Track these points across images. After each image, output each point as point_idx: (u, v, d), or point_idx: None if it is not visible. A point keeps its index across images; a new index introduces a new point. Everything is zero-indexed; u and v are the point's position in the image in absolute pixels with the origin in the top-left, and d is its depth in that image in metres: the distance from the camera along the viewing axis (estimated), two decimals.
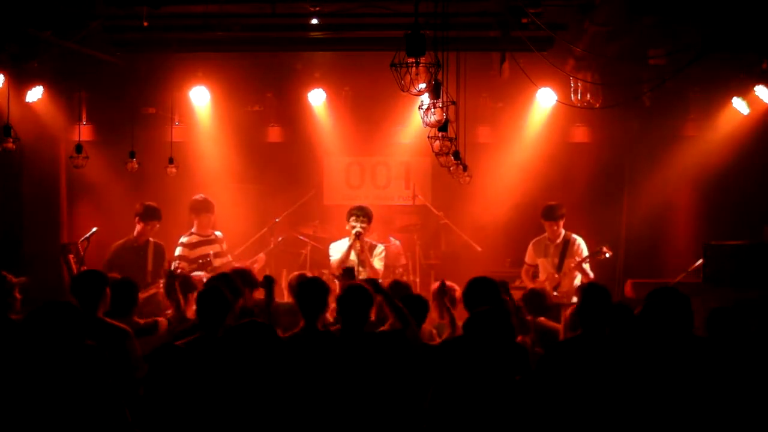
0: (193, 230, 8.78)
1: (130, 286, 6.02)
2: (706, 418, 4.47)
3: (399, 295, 5.74)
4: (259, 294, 6.33)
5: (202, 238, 8.74)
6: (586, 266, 8.66)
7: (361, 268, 8.10)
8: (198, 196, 8.94)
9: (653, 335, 4.76)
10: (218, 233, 8.90)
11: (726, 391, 4.52)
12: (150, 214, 8.51)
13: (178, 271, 6.93)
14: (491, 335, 4.53)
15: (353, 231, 8.22)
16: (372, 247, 8.41)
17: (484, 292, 5.31)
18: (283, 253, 9.64)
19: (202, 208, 8.79)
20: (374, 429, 4.88)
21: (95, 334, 4.96)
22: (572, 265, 8.63)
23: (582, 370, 4.72)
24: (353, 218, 8.29)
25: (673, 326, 4.69)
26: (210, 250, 8.60)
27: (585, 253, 8.72)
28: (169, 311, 6.33)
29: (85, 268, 8.21)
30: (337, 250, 8.40)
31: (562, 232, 8.84)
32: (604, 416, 4.57)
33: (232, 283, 5.79)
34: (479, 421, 4.03)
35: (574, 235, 8.85)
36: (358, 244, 8.22)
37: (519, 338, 5.42)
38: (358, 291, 5.20)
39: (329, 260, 8.43)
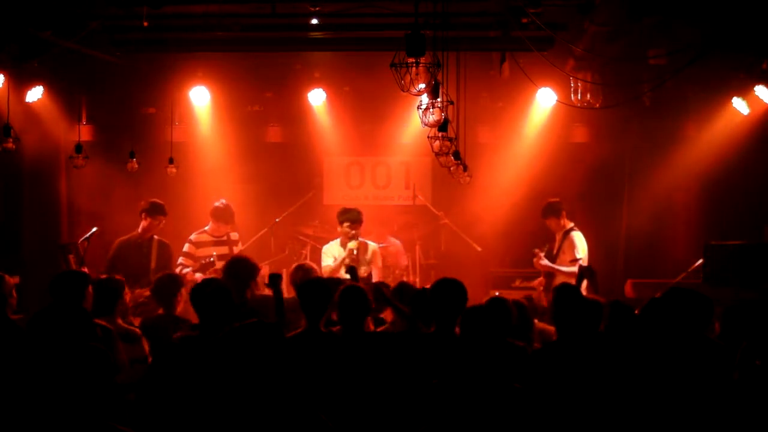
0: (206, 228, 8.80)
1: (113, 286, 5.76)
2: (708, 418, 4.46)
3: (406, 295, 5.74)
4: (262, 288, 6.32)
5: (213, 239, 8.75)
6: (545, 262, 8.75)
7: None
8: (220, 203, 8.93)
9: (657, 335, 4.75)
10: (234, 235, 8.90)
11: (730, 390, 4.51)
12: (156, 210, 8.49)
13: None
14: (486, 334, 4.52)
15: (350, 242, 8.33)
16: (365, 250, 8.47)
17: (451, 295, 5.24)
18: (282, 254, 9.65)
19: (222, 217, 8.79)
20: (376, 429, 4.88)
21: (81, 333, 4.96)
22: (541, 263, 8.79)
23: (563, 375, 4.70)
24: (347, 224, 8.36)
25: (681, 326, 4.69)
26: (215, 251, 8.60)
27: (578, 246, 8.73)
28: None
29: (86, 268, 8.23)
30: (330, 254, 8.43)
31: (567, 225, 8.89)
32: (596, 417, 4.56)
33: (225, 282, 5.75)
34: (475, 424, 4.02)
35: (573, 231, 8.87)
36: (354, 252, 8.32)
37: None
38: (354, 291, 5.20)
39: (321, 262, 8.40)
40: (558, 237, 8.95)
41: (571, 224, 8.96)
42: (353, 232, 8.36)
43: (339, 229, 8.50)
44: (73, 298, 5.27)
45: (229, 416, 3.80)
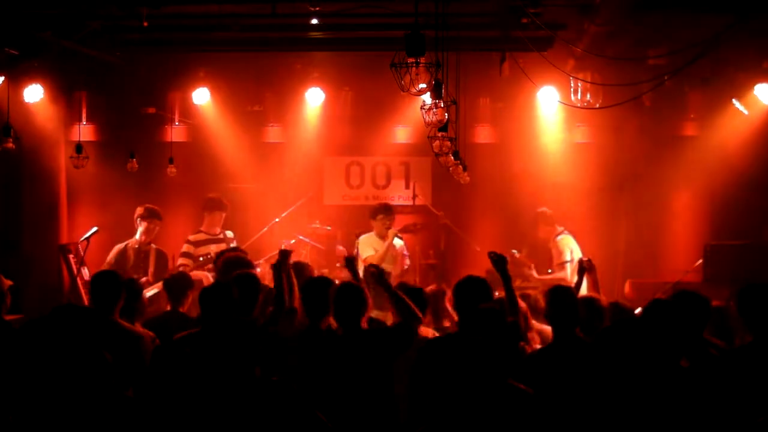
0: (201, 228, 8.83)
1: (134, 288, 5.79)
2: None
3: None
4: None
5: (209, 237, 8.78)
6: (535, 274, 8.92)
7: (389, 265, 8.46)
8: (212, 195, 9.01)
9: (657, 336, 4.74)
10: (229, 233, 8.94)
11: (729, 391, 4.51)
12: (151, 214, 8.54)
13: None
14: (491, 334, 4.50)
15: (393, 234, 8.80)
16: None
17: (476, 293, 5.24)
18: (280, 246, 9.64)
19: (215, 206, 8.85)
20: (374, 427, 4.88)
21: (109, 337, 4.94)
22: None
23: (559, 377, 4.70)
24: (381, 216, 8.75)
25: (680, 328, 4.68)
26: (214, 249, 8.63)
27: (563, 251, 8.86)
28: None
29: (85, 268, 8.24)
30: (368, 244, 8.56)
31: (556, 230, 9.03)
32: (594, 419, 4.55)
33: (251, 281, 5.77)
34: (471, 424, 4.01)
35: (559, 236, 8.98)
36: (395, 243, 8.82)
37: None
38: (350, 289, 5.21)
39: (357, 253, 8.48)
40: (548, 244, 9.05)
41: (560, 229, 9.04)
42: (389, 223, 8.76)
43: (374, 223, 8.85)
44: (109, 300, 5.24)
45: (221, 413, 3.81)
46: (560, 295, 5.11)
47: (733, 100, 9.60)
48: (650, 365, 4.60)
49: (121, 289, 5.33)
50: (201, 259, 8.55)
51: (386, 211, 8.81)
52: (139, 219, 8.55)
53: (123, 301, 5.34)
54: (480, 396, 3.96)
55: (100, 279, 5.49)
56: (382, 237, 8.80)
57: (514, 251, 8.89)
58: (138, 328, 5.37)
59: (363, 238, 8.83)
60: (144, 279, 8.10)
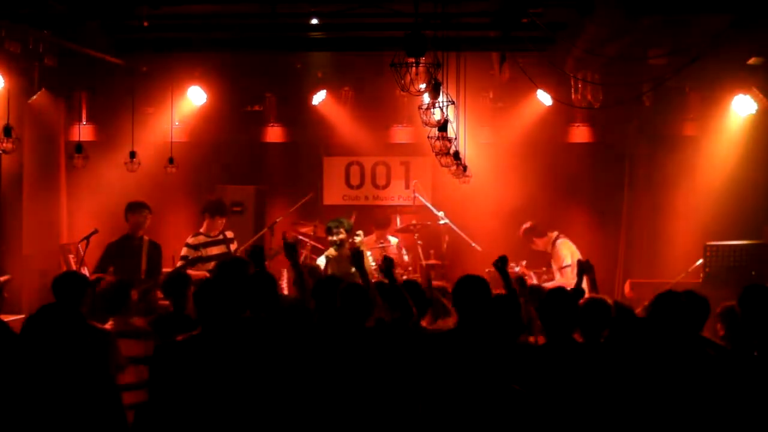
0: (201, 230, 8.79)
1: (122, 287, 5.82)
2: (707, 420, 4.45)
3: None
4: None
5: (208, 239, 8.73)
6: (534, 281, 8.83)
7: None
8: (213, 198, 8.95)
9: (658, 337, 4.74)
10: (229, 234, 8.90)
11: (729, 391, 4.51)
12: (135, 206, 8.46)
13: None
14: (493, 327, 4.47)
15: (326, 252, 8.34)
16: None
17: (475, 292, 5.24)
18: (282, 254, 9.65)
19: (217, 210, 8.77)
20: (377, 424, 4.88)
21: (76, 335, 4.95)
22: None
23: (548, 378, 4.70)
24: (329, 233, 8.35)
25: (681, 328, 4.69)
26: (214, 251, 8.60)
27: (563, 255, 8.83)
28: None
29: (85, 268, 8.23)
30: (321, 262, 8.43)
31: (552, 237, 9.02)
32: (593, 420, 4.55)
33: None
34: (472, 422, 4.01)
35: (558, 241, 9.00)
36: (334, 252, 8.28)
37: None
38: (354, 289, 5.22)
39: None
40: (548, 251, 9.04)
41: (555, 234, 9.03)
42: (333, 238, 8.34)
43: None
44: (72, 299, 5.27)
45: (231, 410, 3.81)
46: (555, 299, 5.10)
47: (733, 100, 9.60)
48: (652, 365, 4.61)
49: (84, 289, 5.33)
50: (200, 260, 8.54)
51: (327, 228, 8.39)
52: (125, 215, 8.50)
53: (89, 299, 5.35)
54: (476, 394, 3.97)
55: (63, 279, 5.45)
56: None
57: (516, 266, 8.87)
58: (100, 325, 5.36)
59: (322, 257, 8.49)
60: (135, 280, 8.04)
